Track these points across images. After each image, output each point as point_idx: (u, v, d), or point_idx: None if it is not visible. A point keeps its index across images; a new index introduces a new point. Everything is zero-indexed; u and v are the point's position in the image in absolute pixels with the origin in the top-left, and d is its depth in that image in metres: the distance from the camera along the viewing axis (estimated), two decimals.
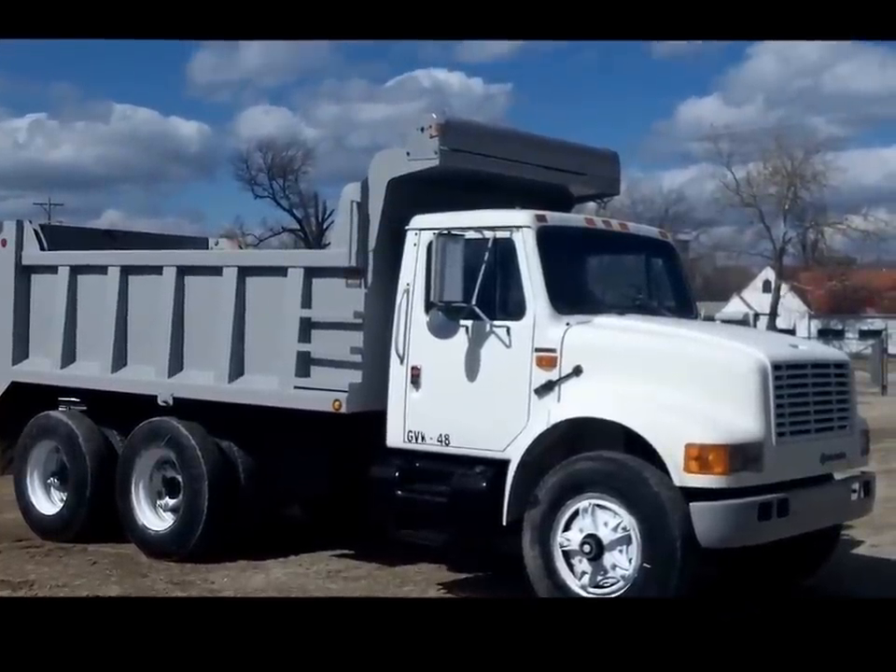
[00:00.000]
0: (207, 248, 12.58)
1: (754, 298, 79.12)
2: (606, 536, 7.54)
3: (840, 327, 79.54)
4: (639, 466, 7.56)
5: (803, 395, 7.99)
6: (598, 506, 7.62)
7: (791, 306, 76.12)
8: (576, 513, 7.69)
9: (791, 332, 72.29)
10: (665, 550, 7.31)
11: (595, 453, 7.84)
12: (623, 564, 7.50)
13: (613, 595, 7.50)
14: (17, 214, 71.34)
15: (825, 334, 77.61)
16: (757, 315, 73.44)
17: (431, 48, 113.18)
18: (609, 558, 7.55)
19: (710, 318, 46.85)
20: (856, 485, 8.62)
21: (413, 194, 8.78)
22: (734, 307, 77.96)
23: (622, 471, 7.59)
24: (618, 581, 7.51)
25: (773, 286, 74.50)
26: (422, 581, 9.11)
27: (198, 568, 9.29)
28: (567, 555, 7.71)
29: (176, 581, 8.94)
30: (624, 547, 7.50)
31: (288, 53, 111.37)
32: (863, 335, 74.05)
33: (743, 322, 66.84)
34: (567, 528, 7.72)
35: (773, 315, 72.06)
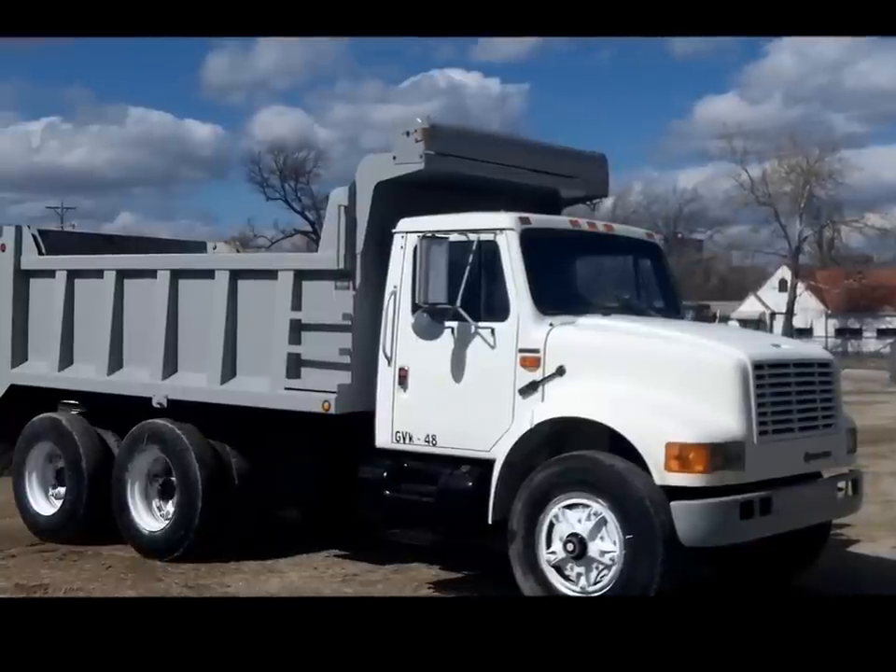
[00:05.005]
0: (205, 252, 12.66)
1: (770, 297, 78.80)
2: (583, 528, 7.63)
3: (858, 325, 79.14)
4: (591, 454, 7.76)
5: (785, 394, 8.03)
6: (567, 507, 7.72)
7: (808, 305, 75.83)
8: (551, 526, 7.79)
9: (809, 331, 72.15)
10: (639, 511, 7.39)
11: (549, 460, 7.97)
12: (608, 547, 7.56)
13: (612, 586, 7.52)
14: (30, 217, 71.87)
15: (843, 333, 77.28)
16: (773, 315, 73.20)
17: (446, 48, 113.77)
18: (594, 548, 7.60)
19: (726, 318, 46.74)
20: (842, 483, 8.68)
21: (401, 198, 8.85)
22: (749, 306, 77.72)
23: (575, 463, 7.78)
24: (611, 567, 7.52)
25: (789, 285, 74.24)
26: (437, 584, 9.16)
27: (213, 572, 9.36)
28: (559, 569, 7.76)
29: (191, 585, 8.99)
30: (603, 530, 7.58)
31: (303, 54, 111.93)
32: (881, 334, 73.74)
33: (759, 322, 66.79)
34: (549, 545, 7.80)
35: (789, 314, 71.82)
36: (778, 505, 7.69)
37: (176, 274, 10.07)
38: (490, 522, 8.13)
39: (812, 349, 9.51)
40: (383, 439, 8.78)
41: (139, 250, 11.52)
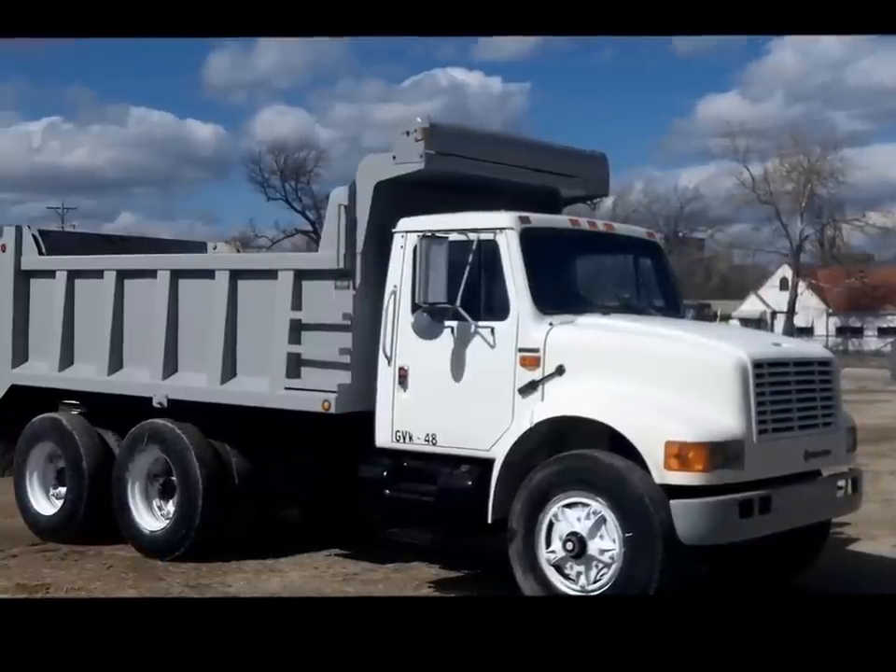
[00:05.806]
0: (206, 252, 12.66)
1: (771, 296, 78.77)
2: (583, 527, 7.64)
3: (859, 324, 79.11)
4: (590, 452, 7.77)
5: (785, 392, 8.04)
6: (566, 506, 7.73)
7: (809, 304, 75.77)
8: (551, 525, 7.80)
9: (810, 330, 72.11)
10: (638, 510, 7.40)
11: (548, 459, 7.98)
12: (608, 545, 7.57)
13: (611, 584, 7.52)
14: (31, 218, 71.92)
15: (844, 332, 77.28)
16: (774, 314, 73.26)
17: (448, 47, 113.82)
18: (593, 547, 7.61)
19: (727, 317, 46.77)
20: (842, 482, 8.68)
21: (401, 197, 8.86)
22: (750, 305, 77.74)
23: (574, 462, 7.79)
24: (611, 565, 7.54)
25: (790, 283, 74.18)
26: (438, 583, 9.17)
27: (214, 571, 9.37)
28: (559, 568, 7.77)
29: (192, 585, 8.99)
30: (603, 529, 7.59)
31: (304, 54, 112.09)
32: (882, 332, 73.74)
33: (760, 321, 66.84)
34: (548, 544, 7.81)
35: (790, 313, 71.79)
36: (778, 504, 7.70)
37: (176, 275, 10.08)
38: (490, 521, 8.14)
39: (812, 348, 9.52)
40: (383, 438, 8.79)
41: (139, 250, 11.52)
